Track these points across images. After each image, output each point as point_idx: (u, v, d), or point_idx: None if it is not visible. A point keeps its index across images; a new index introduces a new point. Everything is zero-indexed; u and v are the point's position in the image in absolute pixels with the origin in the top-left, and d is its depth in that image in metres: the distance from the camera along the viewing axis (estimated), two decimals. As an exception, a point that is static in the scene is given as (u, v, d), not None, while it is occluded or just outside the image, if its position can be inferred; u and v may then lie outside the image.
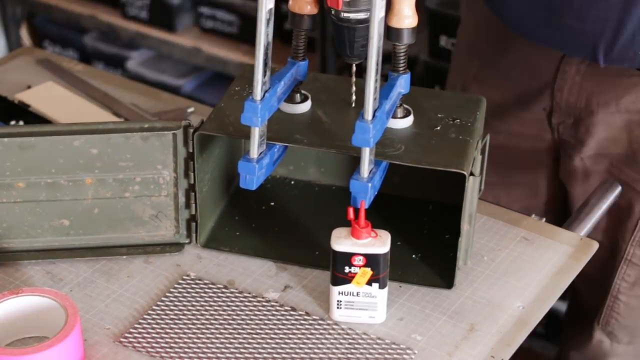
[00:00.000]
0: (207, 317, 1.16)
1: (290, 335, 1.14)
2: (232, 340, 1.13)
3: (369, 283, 1.13)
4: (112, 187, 1.23)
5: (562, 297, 1.33)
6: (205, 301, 1.19)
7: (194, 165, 1.21)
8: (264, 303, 1.18)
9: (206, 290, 1.20)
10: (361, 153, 1.10)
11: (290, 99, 1.21)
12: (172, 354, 1.12)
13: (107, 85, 1.59)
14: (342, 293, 1.14)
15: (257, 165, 1.13)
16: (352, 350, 1.12)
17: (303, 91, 1.22)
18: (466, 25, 1.63)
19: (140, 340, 1.14)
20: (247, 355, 1.12)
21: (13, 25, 3.09)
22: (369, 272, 1.12)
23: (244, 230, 1.29)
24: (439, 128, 1.20)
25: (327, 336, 1.14)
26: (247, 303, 1.18)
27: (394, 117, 1.19)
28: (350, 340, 1.14)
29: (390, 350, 1.12)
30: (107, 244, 1.26)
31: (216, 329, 1.15)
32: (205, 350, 1.12)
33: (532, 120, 1.51)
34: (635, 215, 1.48)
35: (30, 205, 1.22)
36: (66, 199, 1.22)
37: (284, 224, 1.30)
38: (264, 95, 1.11)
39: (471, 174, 1.14)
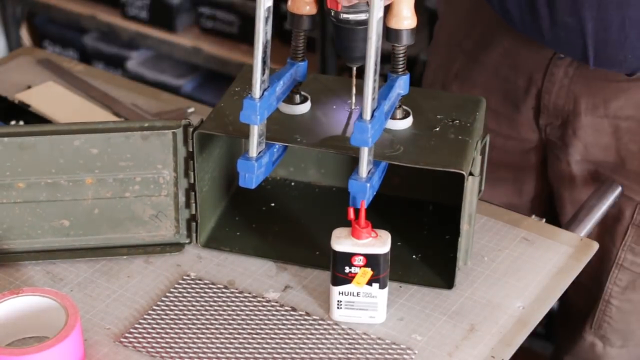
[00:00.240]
0: (207, 317, 1.16)
1: (291, 336, 1.14)
2: (232, 340, 1.13)
3: (369, 283, 1.13)
4: (112, 187, 1.23)
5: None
6: (206, 301, 1.19)
7: (194, 165, 1.22)
8: (264, 303, 1.19)
9: (206, 290, 1.20)
10: (360, 153, 1.10)
11: (289, 100, 1.21)
12: (172, 354, 1.12)
13: (107, 85, 1.59)
14: (342, 293, 1.14)
15: (256, 164, 1.13)
16: (352, 351, 1.12)
17: (303, 92, 1.22)
18: (445, 21, 1.60)
19: (141, 340, 1.14)
20: (247, 355, 1.12)
21: (13, 25, 3.09)
22: (369, 272, 1.12)
23: (244, 230, 1.29)
24: (438, 129, 1.20)
25: (327, 336, 1.14)
26: (247, 303, 1.18)
27: (393, 118, 1.19)
28: (350, 341, 1.14)
29: (390, 351, 1.12)
30: (108, 244, 1.26)
31: (216, 329, 1.15)
32: (205, 350, 1.12)
33: (519, 119, 1.50)
34: (626, 220, 1.47)
35: (31, 206, 1.22)
36: (66, 199, 1.23)
37: (284, 225, 1.30)
38: (262, 94, 1.11)
39: (470, 174, 1.14)
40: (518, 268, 1.24)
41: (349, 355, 1.12)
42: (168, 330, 1.15)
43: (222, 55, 2.71)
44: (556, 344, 1.81)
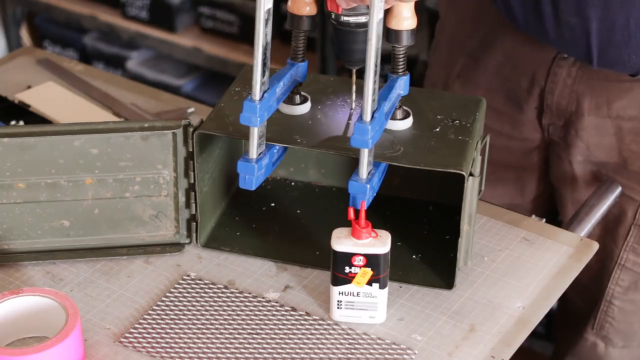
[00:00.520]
0: (207, 317, 1.16)
1: (291, 335, 1.14)
2: (232, 340, 1.13)
3: (369, 283, 1.13)
4: (112, 187, 1.23)
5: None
6: (206, 301, 1.19)
7: (194, 165, 1.22)
8: (264, 303, 1.19)
9: (206, 290, 1.20)
10: (360, 154, 1.10)
11: (289, 101, 1.21)
12: (172, 354, 1.12)
13: (107, 85, 1.59)
14: (342, 293, 1.14)
15: (256, 166, 1.13)
16: (353, 351, 1.12)
17: (303, 93, 1.22)
18: (447, 21, 1.60)
19: (141, 340, 1.14)
20: (247, 355, 1.12)
21: (13, 25, 3.09)
22: (369, 272, 1.12)
23: (244, 230, 1.29)
24: (438, 129, 1.20)
25: (327, 336, 1.14)
26: (247, 303, 1.19)
27: (394, 118, 1.19)
28: (350, 341, 1.14)
29: (390, 351, 1.12)
30: (108, 244, 1.26)
31: (216, 329, 1.15)
32: (205, 350, 1.12)
33: (521, 119, 1.50)
34: (628, 221, 1.47)
35: (31, 206, 1.22)
36: (66, 200, 1.23)
37: (284, 225, 1.30)
38: (262, 96, 1.11)
39: (470, 174, 1.14)
40: (518, 268, 1.24)
41: (349, 355, 1.12)
42: (168, 330, 1.15)
43: (222, 55, 2.71)
44: (556, 344, 1.81)
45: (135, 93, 1.57)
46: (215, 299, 1.19)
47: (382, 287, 1.13)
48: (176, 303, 1.18)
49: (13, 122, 1.47)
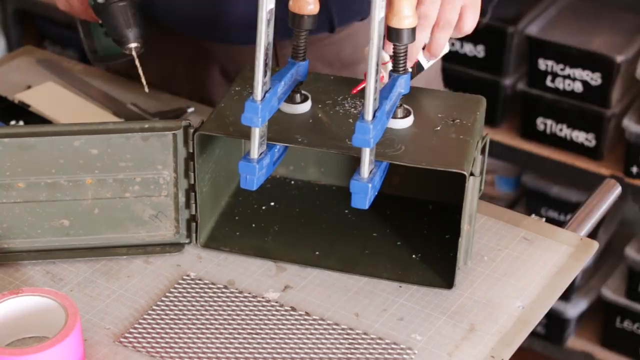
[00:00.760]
0: (207, 317, 1.16)
1: (290, 335, 1.14)
2: (232, 340, 1.13)
3: None
4: (112, 187, 1.23)
5: (562, 297, 1.33)
6: (205, 301, 1.19)
7: (194, 165, 1.21)
8: (264, 303, 1.19)
9: (206, 290, 1.20)
10: (361, 153, 1.10)
11: (290, 99, 1.21)
12: (172, 354, 1.12)
13: (107, 85, 1.59)
14: None
15: (257, 166, 1.13)
16: (352, 350, 1.12)
17: (303, 91, 1.22)
18: None
19: (140, 340, 1.14)
20: (247, 355, 1.12)
21: (13, 25, 3.09)
22: None
23: (244, 230, 1.29)
24: (439, 128, 1.20)
25: (327, 336, 1.14)
26: (247, 303, 1.18)
27: (394, 117, 1.19)
28: (350, 340, 1.14)
29: (390, 350, 1.12)
30: (107, 244, 1.26)
31: (216, 329, 1.15)
32: (205, 350, 1.12)
33: None
34: None
35: (30, 206, 1.22)
36: (66, 199, 1.22)
37: (284, 224, 1.30)
38: (264, 96, 1.11)
39: (471, 174, 1.14)
40: (518, 268, 1.24)
41: (349, 355, 1.12)
42: (168, 330, 1.15)
43: (222, 55, 2.70)
44: None
45: (135, 93, 1.57)
46: (215, 299, 1.19)
47: None
48: (176, 303, 1.18)
49: (13, 122, 1.47)
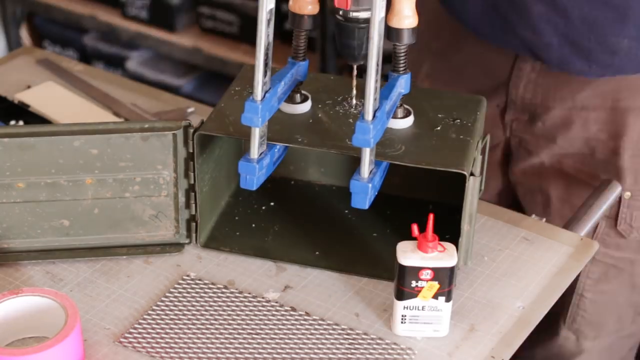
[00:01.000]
0: (207, 317, 1.16)
1: (290, 336, 1.14)
2: (232, 341, 1.13)
3: (435, 297, 1.12)
4: (112, 187, 1.23)
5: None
6: (205, 301, 1.19)
7: (194, 166, 1.21)
8: (264, 303, 1.18)
9: (206, 290, 1.20)
10: (361, 153, 1.10)
11: (290, 99, 1.21)
12: (172, 354, 1.12)
13: (107, 85, 1.59)
14: (407, 307, 1.12)
15: (257, 166, 1.13)
16: (352, 351, 1.12)
17: (303, 91, 1.22)
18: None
19: (140, 340, 1.14)
20: (247, 355, 1.11)
21: (13, 25, 3.09)
22: (436, 285, 1.11)
23: (244, 230, 1.29)
24: (439, 128, 1.20)
25: (327, 336, 1.14)
26: (247, 303, 1.18)
27: (395, 117, 1.19)
28: (350, 341, 1.14)
29: (390, 350, 1.12)
30: (107, 244, 1.26)
31: (216, 329, 1.15)
32: (205, 350, 1.12)
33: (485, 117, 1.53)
34: None
35: (30, 206, 1.22)
36: (66, 199, 1.22)
37: (284, 224, 1.30)
38: (264, 96, 1.11)
39: (471, 174, 1.14)
40: (518, 268, 1.24)
41: (349, 356, 1.12)
42: (168, 330, 1.15)
43: (222, 55, 2.71)
44: (528, 339, 1.82)
45: (135, 93, 1.57)
46: (215, 299, 1.19)
47: (447, 300, 1.11)
48: (176, 303, 1.18)
49: (13, 122, 1.47)
